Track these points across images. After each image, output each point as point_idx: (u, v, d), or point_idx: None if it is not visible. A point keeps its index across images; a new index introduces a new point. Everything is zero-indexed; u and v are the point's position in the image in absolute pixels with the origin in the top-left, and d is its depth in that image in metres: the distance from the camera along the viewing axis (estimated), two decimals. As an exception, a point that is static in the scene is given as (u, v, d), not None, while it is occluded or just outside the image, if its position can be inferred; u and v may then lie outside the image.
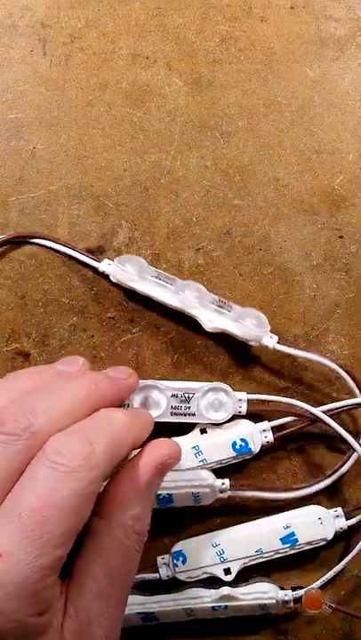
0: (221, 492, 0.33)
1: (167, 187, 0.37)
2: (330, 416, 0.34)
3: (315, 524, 0.33)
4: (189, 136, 0.37)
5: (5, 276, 0.36)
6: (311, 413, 0.34)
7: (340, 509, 0.34)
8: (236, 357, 0.36)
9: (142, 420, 0.29)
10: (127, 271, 0.34)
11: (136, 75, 0.38)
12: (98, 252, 0.36)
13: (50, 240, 0.36)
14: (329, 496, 0.35)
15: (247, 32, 0.38)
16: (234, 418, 0.34)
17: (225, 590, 0.33)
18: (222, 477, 0.33)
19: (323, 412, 0.34)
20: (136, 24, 0.38)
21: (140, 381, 0.33)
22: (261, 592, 0.33)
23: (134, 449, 0.28)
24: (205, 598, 0.33)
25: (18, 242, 0.36)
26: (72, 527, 0.23)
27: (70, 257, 0.36)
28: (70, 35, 0.38)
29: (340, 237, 0.37)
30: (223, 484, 0.33)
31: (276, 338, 0.34)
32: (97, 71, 0.38)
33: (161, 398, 0.33)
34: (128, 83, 0.38)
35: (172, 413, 0.33)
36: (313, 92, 0.38)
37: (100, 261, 0.35)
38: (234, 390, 0.34)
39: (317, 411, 0.34)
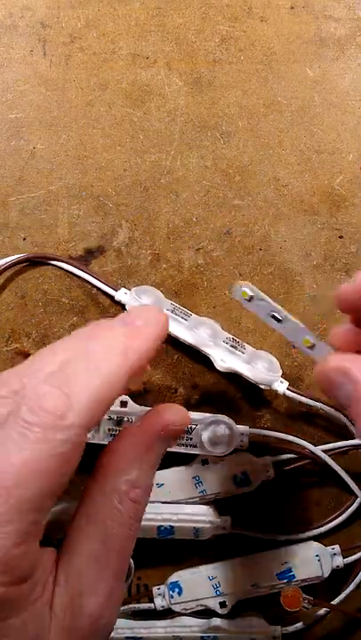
0: (222, 528, 0.33)
1: (167, 187, 0.37)
2: (332, 455, 0.34)
3: (312, 561, 0.33)
4: (189, 136, 0.37)
5: (5, 276, 0.36)
6: (311, 452, 0.34)
7: (337, 547, 0.34)
8: (244, 390, 0.36)
9: (145, 331, 0.25)
10: (143, 302, 0.34)
11: (136, 75, 0.38)
12: (98, 252, 0.36)
13: (66, 263, 0.36)
14: (329, 531, 0.35)
15: (247, 32, 0.38)
16: (235, 451, 0.34)
17: (215, 621, 0.33)
18: (224, 509, 0.33)
19: (325, 450, 0.34)
20: (136, 24, 0.38)
21: (143, 408, 0.33)
22: (251, 626, 0.33)
23: (145, 363, 0.25)
24: (195, 627, 0.33)
25: (35, 262, 0.36)
26: (46, 490, 0.21)
27: (86, 281, 0.35)
28: (70, 35, 0.38)
29: (340, 237, 0.37)
30: (225, 521, 0.33)
31: (286, 383, 0.34)
32: (97, 71, 0.38)
33: None
34: (128, 83, 0.38)
35: None
36: (313, 92, 0.38)
37: (117, 290, 0.35)
38: (237, 423, 0.34)
39: (318, 450, 0.34)
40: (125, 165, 0.37)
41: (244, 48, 0.38)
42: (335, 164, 0.37)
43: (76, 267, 0.35)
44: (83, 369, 0.22)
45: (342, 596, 0.34)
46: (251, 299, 0.27)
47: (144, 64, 0.38)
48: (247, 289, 0.27)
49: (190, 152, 0.37)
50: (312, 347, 0.27)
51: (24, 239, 0.36)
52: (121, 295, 0.35)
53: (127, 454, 0.25)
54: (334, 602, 0.34)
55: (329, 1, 0.38)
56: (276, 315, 0.27)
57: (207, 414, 0.33)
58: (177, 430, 0.26)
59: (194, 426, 0.33)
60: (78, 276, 0.35)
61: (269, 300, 0.27)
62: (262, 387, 0.34)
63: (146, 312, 0.26)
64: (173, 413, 0.26)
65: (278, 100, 0.38)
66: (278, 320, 0.27)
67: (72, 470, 0.22)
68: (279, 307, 0.27)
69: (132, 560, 0.33)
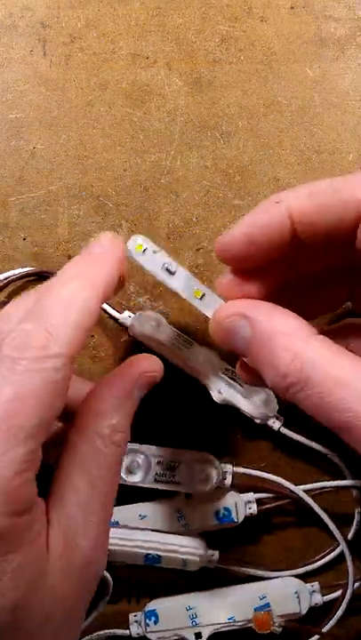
0: (209, 561, 0.33)
1: (167, 187, 0.37)
2: (314, 495, 0.34)
3: (291, 597, 0.33)
4: (189, 136, 0.37)
5: (9, 289, 0.36)
6: (291, 491, 0.34)
7: (317, 585, 0.34)
8: (240, 422, 0.35)
9: (105, 256, 0.26)
10: (145, 328, 0.34)
11: (136, 75, 0.38)
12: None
13: None
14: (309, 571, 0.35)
15: (247, 32, 0.38)
16: (219, 487, 0.34)
17: None
18: (210, 543, 0.33)
19: (306, 490, 0.34)
20: (136, 24, 0.38)
21: (129, 444, 0.33)
22: None
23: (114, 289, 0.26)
24: None
25: (40, 277, 0.36)
26: (41, 418, 0.22)
27: None
28: (70, 35, 0.38)
29: (340, 237, 0.37)
30: (213, 555, 0.33)
31: (282, 420, 0.34)
32: (97, 71, 0.38)
33: (146, 464, 0.33)
34: (128, 83, 0.38)
35: (155, 480, 0.33)
36: (313, 92, 0.38)
37: (121, 312, 0.35)
38: (230, 455, 0.34)
39: (299, 489, 0.34)
40: (125, 165, 0.37)
41: (244, 48, 0.38)
42: (335, 164, 0.37)
43: None
44: (57, 305, 0.23)
45: (316, 637, 0.34)
46: (144, 251, 0.27)
47: (144, 64, 0.38)
48: (141, 240, 0.27)
49: (190, 152, 0.37)
50: (202, 297, 0.28)
51: (24, 239, 0.36)
52: (124, 318, 0.35)
53: (108, 400, 0.26)
54: (311, 640, 0.34)
55: (329, 1, 0.38)
56: (169, 267, 0.27)
57: (191, 451, 0.34)
58: (153, 377, 0.27)
59: (177, 463, 0.33)
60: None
61: (163, 251, 0.27)
62: (257, 421, 0.34)
63: (102, 239, 0.27)
64: (148, 362, 0.27)
65: (278, 100, 0.38)
66: (171, 272, 0.27)
67: (62, 401, 0.23)
68: (171, 259, 0.27)
69: (109, 576, 0.33)
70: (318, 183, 0.24)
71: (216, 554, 0.33)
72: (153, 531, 0.33)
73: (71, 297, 0.24)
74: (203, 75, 0.38)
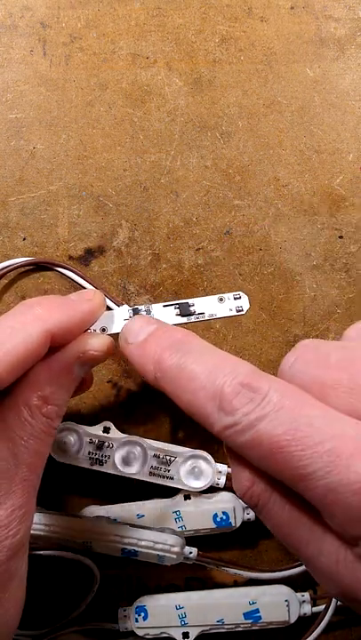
0: (187, 559, 0.33)
1: (167, 187, 0.37)
2: None
3: (281, 605, 0.33)
4: (189, 136, 0.37)
5: (6, 275, 0.36)
6: None
7: (307, 595, 0.34)
8: None
9: (71, 304, 0.27)
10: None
11: (136, 75, 0.38)
12: (98, 252, 0.36)
13: (73, 272, 0.36)
14: (302, 576, 0.35)
15: (247, 32, 0.38)
16: (216, 489, 0.34)
17: None
18: (201, 541, 0.33)
19: None
20: (136, 24, 0.38)
21: (125, 436, 0.33)
22: None
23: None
24: None
25: (42, 266, 0.36)
26: None
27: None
28: (70, 35, 0.38)
29: (340, 237, 0.37)
30: (191, 552, 0.33)
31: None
32: (97, 71, 0.38)
33: (142, 456, 0.33)
34: (128, 83, 0.38)
35: (150, 473, 0.33)
36: (313, 92, 0.38)
37: (119, 305, 0.35)
38: (216, 461, 0.34)
39: None
40: (125, 165, 0.37)
41: (244, 48, 0.38)
42: (335, 164, 0.37)
43: (84, 278, 0.36)
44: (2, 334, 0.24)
45: None
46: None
47: (144, 64, 0.38)
48: None
49: (190, 152, 0.37)
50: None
51: (24, 239, 0.36)
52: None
53: (43, 372, 0.26)
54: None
55: (329, 1, 0.38)
56: (104, 328, 0.30)
57: (186, 448, 0.33)
58: (96, 356, 0.27)
59: (173, 458, 0.33)
60: (83, 286, 0.36)
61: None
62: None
63: (84, 292, 0.29)
64: (96, 340, 0.27)
65: (278, 100, 0.38)
66: (104, 331, 0.30)
67: None
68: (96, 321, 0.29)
69: (96, 568, 0.33)
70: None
71: (194, 551, 0.33)
72: (131, 526, 0.33)
73: (16, 326, 0.25)
74: (203, 75, 0.38)
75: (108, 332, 0.30)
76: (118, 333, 0.28)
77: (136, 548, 0.32)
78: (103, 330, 0.29)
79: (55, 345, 0.26)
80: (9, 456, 0.25)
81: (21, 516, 0.24)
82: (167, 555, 0.32)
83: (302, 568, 0.34)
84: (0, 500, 0.24)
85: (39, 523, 0.32)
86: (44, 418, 0.25)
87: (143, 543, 0.32)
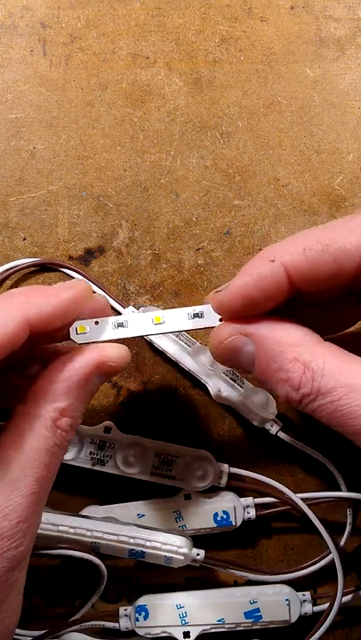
0: (194, 561, 0.33)
1: (167, 187, 0.37)
2: (311, 504, 0.34)
3: (281, 605, 0.33)
4: (189, 136, 0.37)
5: (13, 279, 0.36)
6: (290, 499, 0.33)
7: (308, 595, 0.34)
8: (244, 424, 0.35)
9: (54, 292, 0.26)
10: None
11: (136, 75, 0.38)
12: (98, 252, 0.36)
13: (78, 273, 0.36)
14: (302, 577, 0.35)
15: (247, 32, 0.38)
16: (218, 489, 0.34)
17: None
18: (202, 541, 0.33)
19: (304, 499, 0.34)
20: (136, 24, 0.38)
21: (127, 436, 0.33)
22: None
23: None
24: None
25: (45, 267, 0.36)
26: None
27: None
28: (70, 35, 0.38)
29: (340, 237, 0.37)
30: (198, 554, 0.33)
31: (280, 425, 0.34)
32: (97, 71, 0.38)
33: (144, 456, 0.33)
34: (128, 83, 0.38)
35: (152, 473, 0.33)
36: (313, 92, 0.38)
37: (125, 307, 0.35)
38: (231, 458, 0.34)
39: (297, 498, 0.33)
40: (125, 165, 0.37)
41: (244, 48, 0.38)
42: (335, 164, 0.37)
43: (89, 279, 0.36)
44: None
45: None
46: (90, 329, 0.27)
47: (144, 64, 0.38)
48: (79, 324, 0.27)
49: (190, 152, 0.37)
50: (163, 322, 0.27)
51: (24, 239, 0.36)
52: (129, 313, 0.35)
53: (61, 384, 0.25)
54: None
55: (329, 1, 0.38)
56: (119, 321, 0.27)
57: (188, 447, 0.34)
58: (115, 367, 0.26)
59: (174, 458, 0.33)
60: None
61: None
62: (255, 424, 0.34)
63: (67, 282, 0.27)
64: (115, 351, 0.26)
65: (278, 100, 0.38)
66: (123, 325, 0.27)
67: None
68: (113, 313, 0.28)
69: (103, 566, 0.33)
70: (309, 236, 0.23)
71: (202, 553, 0.33)
72: (140, 527, 0.33)
73: None
74: (203, 75, 0.38)
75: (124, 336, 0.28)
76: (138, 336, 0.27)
77: (144, 550, 0.32)
78: (120, 325, 0.27)
79: (36, 334, 0.25)
80: (18, 468, 0.24)
81: (26, 529, 0.24)
82: (175, 556, 0.32)
83: (306, 570, 0.34)
84: (6, 512, 0.23)
85: (48, 522, 0.32)
86: (59, 431, 0.25)
87: (151, 544, 0.32)
